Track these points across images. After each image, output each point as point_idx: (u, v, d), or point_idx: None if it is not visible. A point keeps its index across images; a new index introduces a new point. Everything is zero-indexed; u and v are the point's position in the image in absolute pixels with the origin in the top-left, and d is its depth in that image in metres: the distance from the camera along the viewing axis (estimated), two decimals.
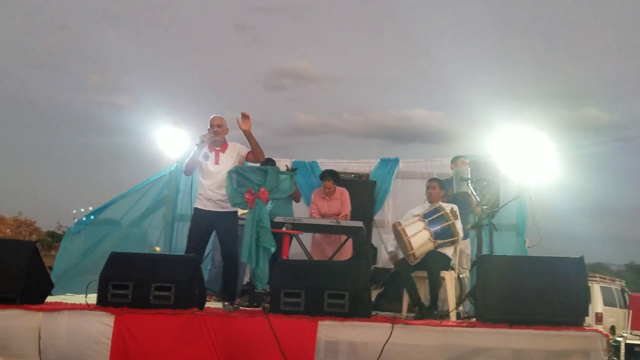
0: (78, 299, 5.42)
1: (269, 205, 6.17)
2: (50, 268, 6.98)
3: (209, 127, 5.49)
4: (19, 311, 4.53)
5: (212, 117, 5.53)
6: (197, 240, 5.47)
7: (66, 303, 4.93)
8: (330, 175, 7.05)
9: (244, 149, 5.56)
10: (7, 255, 4.82)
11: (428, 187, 5.95)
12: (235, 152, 5.55)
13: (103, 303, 4.60)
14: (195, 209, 5.55)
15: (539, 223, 6.68)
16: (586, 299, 4.40)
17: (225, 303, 5.21)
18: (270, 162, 7.29)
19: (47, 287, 5.14)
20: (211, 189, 5.44)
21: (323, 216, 6.92)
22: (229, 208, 5.46)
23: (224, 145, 5.55)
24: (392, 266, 6.88)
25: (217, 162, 5.48)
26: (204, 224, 5.48)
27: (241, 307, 5.35)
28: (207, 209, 5.46)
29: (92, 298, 4.73)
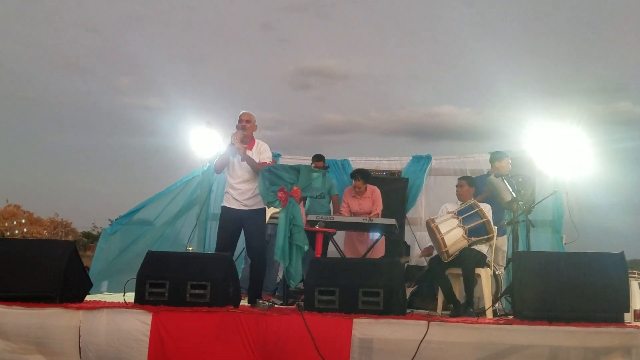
0: (115, 297, 5.50)
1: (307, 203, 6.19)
2: (87, 268, 7.09)
3: (237, 123, 5.55)
4: (59, 310, 4.60)
5: (241, 113, 5.60)
6: (225, 239, 5.50)
7: (105, 301, 5.00)
8: (360, 175, 7.01)
9: (266, 154, 5.57)
10: (47, 254, 4.91)
11: (457, 186, 6.00)
12: (260, 151, 5.58)
13: (140, 301, 4.67)
14: (223, 207, 5.58)
15: (576, 219, 6.57)
16: (626, 294, 4.31)
17: (260, 301, 5.24)
18: (321, 157, 7.35)
19: (86, 286, 5.23)
20: (238, 186, 5.48)
21: (354, 214, 6.89)
22: (254, 206, 5.48)
23: (251, 142, 5.59)
24: (425, 264, 6.84)
25: (243, 159, 5.51)
26: (231, 221, 5.50)
27: (275, 305, 5.37)
28: (234, 207, 5.49)
29: (130, 297, 4.79)
